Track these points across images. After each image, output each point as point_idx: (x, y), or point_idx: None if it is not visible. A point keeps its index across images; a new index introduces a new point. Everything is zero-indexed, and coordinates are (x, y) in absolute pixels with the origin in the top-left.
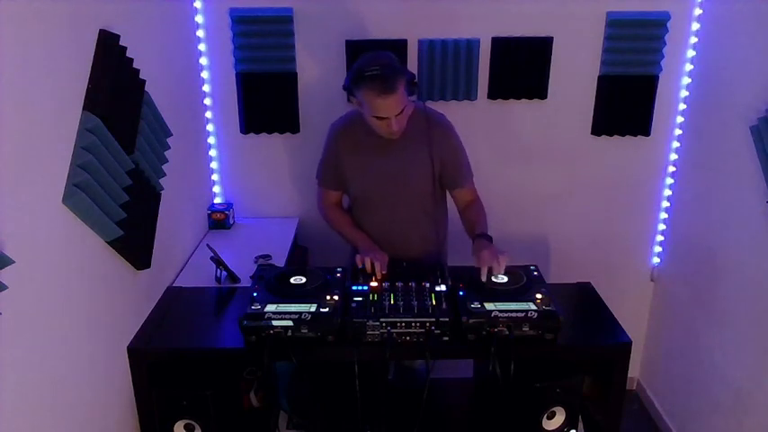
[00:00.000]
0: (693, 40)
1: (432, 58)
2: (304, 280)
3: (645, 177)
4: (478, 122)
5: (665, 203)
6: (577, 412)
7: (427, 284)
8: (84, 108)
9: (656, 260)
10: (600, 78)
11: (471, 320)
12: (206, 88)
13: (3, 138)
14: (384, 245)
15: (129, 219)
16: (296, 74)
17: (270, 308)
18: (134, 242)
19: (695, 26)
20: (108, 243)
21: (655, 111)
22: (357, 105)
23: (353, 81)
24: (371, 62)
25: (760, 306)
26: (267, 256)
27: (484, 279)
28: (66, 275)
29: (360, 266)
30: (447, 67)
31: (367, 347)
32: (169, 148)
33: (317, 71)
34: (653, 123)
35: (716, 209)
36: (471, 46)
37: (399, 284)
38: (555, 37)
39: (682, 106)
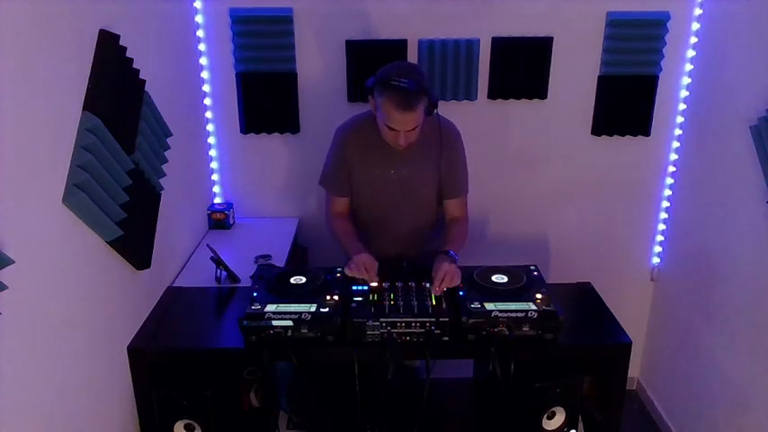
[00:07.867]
0: (693, 40)
1: (432, 58)
2: (304, 280)
3: (645, 177)
4: (478, 122)
5: (665, 203)
6: (577, 412)
7: (427, 284)
8: (84, 108)
9: (656, 260)
10: (600, 78)
11: (471, 320)
12: (206, 88)
13: (3, 138)
14: (385, 247)
15: (129, 219)
16: (296, 74)
17: (270, 308)
18: (134, 242)
19: (695, 26)
20: (108, 243)
21: (655, 111)
22: (372, 107)
23: (378, 84)
24: (402, 73)
25: (760, 306)
26: (267, 256)
27: (437, 291)
28: (66, 275)
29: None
30: (447, 67)
31: (367, 347)
32: (169, 148)
33: (317, 71)
34: (653, 123)
35: (716, 209)
36: (471, 46)
37: (399, 284)
38: (555, 37)
39: (682, 106)
